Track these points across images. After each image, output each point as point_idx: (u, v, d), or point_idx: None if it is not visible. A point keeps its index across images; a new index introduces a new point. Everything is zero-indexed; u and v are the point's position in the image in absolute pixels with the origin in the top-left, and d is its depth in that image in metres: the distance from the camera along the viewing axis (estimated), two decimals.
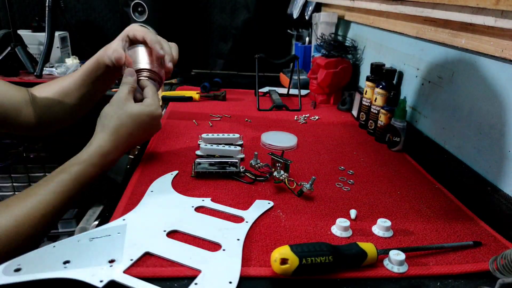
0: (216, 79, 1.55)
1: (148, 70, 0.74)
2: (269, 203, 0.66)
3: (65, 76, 0.83)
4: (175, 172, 0.75)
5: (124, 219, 0.58)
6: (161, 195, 0.67)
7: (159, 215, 0.60)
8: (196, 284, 0.46)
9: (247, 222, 0.60)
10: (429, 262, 0.53)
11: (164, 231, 0.56)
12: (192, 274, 0.48)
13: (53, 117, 0.80)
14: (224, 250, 0.53)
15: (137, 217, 0.59)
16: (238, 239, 0.55)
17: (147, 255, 0.51)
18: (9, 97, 0.73)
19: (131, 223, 0.57)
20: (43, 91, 0.80)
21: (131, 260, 0.49)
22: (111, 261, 0.48)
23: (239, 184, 0.73)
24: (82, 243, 0.52)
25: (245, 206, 0.65)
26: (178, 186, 0.71)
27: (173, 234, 0.56)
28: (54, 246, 0.50)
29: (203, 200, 0.66)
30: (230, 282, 0.46)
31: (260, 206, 0.65)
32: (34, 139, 1.61)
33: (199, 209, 0.63)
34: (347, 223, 0.59)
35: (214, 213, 0.62)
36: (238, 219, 0.61)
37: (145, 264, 0.49)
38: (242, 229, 0.58)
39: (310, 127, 1.09)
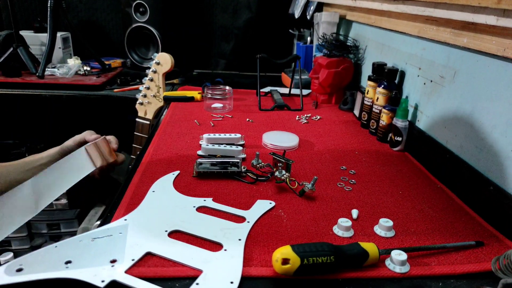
0: (218, 79, 1.55)
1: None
2: (270, 203, 0.66)
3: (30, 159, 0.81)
4: (176, 172, 0.75)
5: (125, 219, 0.58)
6: (163, 195, 0.67)
7: (160, 215, 0.60)
8: (197, 284, 0.46)
9: (248, 222, 0.60)
10: (431, 262, 0.53)
11: (166, 231, 0.56)
12: (193, 274, 0.48)
13: None
14: (225, 250, 0.53)
15: (139, 217, 0.59)
16: (239, 239, 0.55)
17: (148, 255, 0.51)
18: None
19: (133, 223, 0.57)
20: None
21: (133, 260, 0.49)
22: (113, 261, 0.48)
23: (241, 184, 0.73)
24: (84, 243, 0.52)
25: (247, 206, 0.65)
26: (180, 186, 0.71)
27: (174, 234, 0.56)
28: (56, 246, 0.50)
29: (204, 200, 0.66)
30: (232, 282, 0.47)
31: (261, 206, 0.65)
32: (35, 139, 1.61)
33: (200, 209, 0.63)
34: (348, 223, 0.59)
35: (216, 213, 0.63)
36: (240, 219, 0.61)
37: (146, 264, 0.49)
38: (243, 229, 0.58)
39: (311, 127, 1.09)
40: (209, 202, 0.65)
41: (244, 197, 0.68)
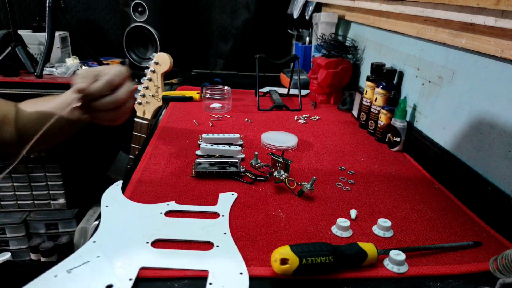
0: (217, 79, 1.55)
1: None
2: (232, 194, 0.68)
3: (51, 97, 0.70)
4: (120, 182, 0.71)
5: (94, 241, 0.53)
6: (119, 208, 0.62)
7: (132, 228, 0.57)
8: (210, 284, 0.46)
9: (223, 216, 0.61)
10: (429, 262, 0.53)
11: (147, 242, 0.53)
12: (198, 276, 0.48)
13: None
14: (217, 246, 0.53)
15: (108, 236, 0.55)
16: (224, 233, 0.56)
17: (143, 269, 0.48)
18: None
19: (106, 243, 0.53)
20: (32, 107, 0.69)
21: (130, 279, 0.46)
22: (109, 287, 0.45)
23: (239, 184, 0.73)
24: (61, 277, 0.46)
25: (247, 205, 0.65)
26: (178, 186, 0.71)
27: (157, 243, 0.54)
28: None
29: (168, 205, 0.64)
30: (241, 273, 0.47)
31: (227, 199, 0.66)
32: None
33: (168, 213, 0.62)
34: (347, 223, 0.59)
35: (186, 215, 0.62)
36: (213, 215, 0.61)
37: (146, 278, 0.48)
38: (222, 223, 0.58)
39: (310, 127, 1.09)
40: (173, 205, 0.63)
41: (243, 197, 0.68)
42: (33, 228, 1.70)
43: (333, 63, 1.23)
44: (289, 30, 1.92)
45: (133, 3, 1.70)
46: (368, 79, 1.06)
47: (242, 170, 0.75)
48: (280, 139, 0.93)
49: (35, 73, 1.54)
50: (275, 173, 0.71)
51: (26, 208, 1.73)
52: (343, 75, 1.25)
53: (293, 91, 1.40)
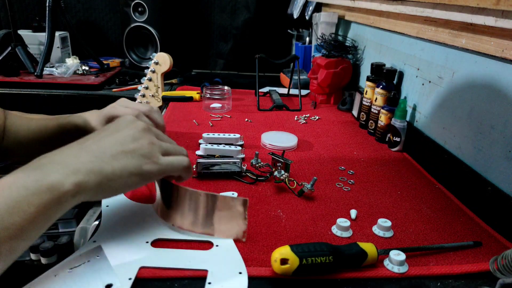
0: (217, 79, 1.55)
1: None
2: (233, 194, 0.67)
3: (45, 117, 0.74)
4: None
5: (95, 241, 0.53)
6: (120, 207, 0.62)
7: (131, 227, 0.56)
8: (209, 283, 0.45)
9: None
10: (429, 262, 0.53)
11: (147, 242, 0.53)
12: (198, 277, 0.47)
13: (21, 152, 0.72)
14: (217, 246, 0.53)
15: (109, 235, 0.55)
16: None
17: (142, 269, 0.48)
18: None
19: (105, 243, 0.53)
20: (22, 122, 0.73)
21: (130, 279, 0.46)
22: (109, 286, 0.45)
23: (240, 184, 0.73)
24: (61, 276, 0.46)
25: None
26: None
27: (157, 242, 0.54)
28: None
29: None
30: (240, 273, 0.47)
31: None
32: None
33: None
34: (347, 223, 0.59)
35: None
36: None
37: (146, 279, 0.47)
38: None
39: (310, 127, 1.09)
40: None
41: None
42: None
43: (333, 63, 1.23)
44: (289, 30, 1.92)
45: (133, 3, 1.70)
46: (368, 79, 1.06)
47: (242, 170, 0.75)
48: (280, 139, 0.93)
49: (35, 73, 1.54)
50: (276, 173, 0.71)
51: None
52: (343, 75, 1.25)
53: (293, 91, 1.40)
